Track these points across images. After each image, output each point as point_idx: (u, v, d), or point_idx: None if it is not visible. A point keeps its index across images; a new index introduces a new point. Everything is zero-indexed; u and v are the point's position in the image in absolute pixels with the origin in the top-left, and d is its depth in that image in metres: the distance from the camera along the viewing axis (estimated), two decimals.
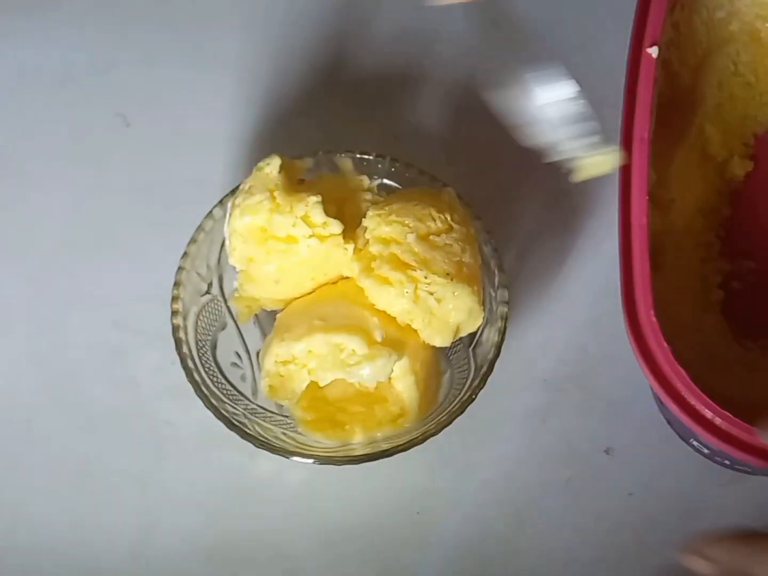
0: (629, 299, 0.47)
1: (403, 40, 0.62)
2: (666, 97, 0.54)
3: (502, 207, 0.58)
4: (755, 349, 0.53)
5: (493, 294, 0.52)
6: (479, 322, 0.51)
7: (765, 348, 0.53)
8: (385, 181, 0.54)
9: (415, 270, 0.48)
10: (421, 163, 0.54)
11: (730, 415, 0.44)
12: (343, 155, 0.54)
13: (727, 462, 0.53)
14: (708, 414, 0.44)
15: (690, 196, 0.55)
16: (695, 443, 0.53)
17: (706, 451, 0.53)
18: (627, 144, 0.49)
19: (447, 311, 0.49)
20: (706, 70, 0.57)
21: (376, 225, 0.49)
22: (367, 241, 0.49)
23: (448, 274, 0.49)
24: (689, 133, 0.56)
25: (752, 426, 0.43)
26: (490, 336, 0.51)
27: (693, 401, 0.44)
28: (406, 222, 0.49)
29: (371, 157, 0.54)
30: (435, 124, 0.60)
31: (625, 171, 0.48)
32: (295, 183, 0.51)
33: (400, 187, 0.54)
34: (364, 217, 0.50)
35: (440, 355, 0.52)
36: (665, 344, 0.45)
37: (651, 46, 0.50)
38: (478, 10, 0.42)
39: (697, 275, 0.54)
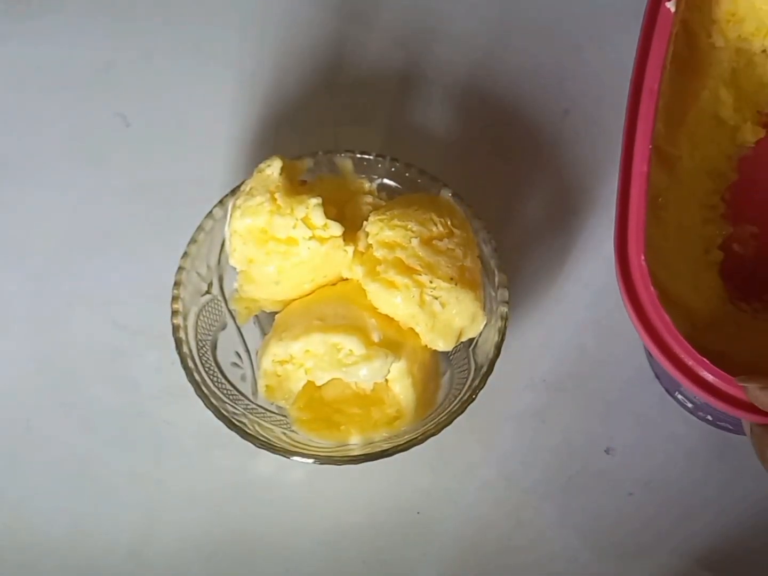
0: (622, 243, 0.47)
1: (403, 40, 0.62)
2: (683, 56, 0.53)
3: (502, 207, 0.58)
4: (748, 311, 0.53)
5: (493, 294, 0.52)
6: (481, 327, 0.51)
7: (757, 311, 0.53)
8: (385, 181, 0.54)
9: (421, 274, 0.48)
10: (421, 163, 0.54)
11: (709, 363, 0.44)
12: (343, 155, 0.54)
13: (709, 418, 0.53)
14: (689, 361, 0.45)
15: (698, 156, 0.55)
16: (680, 397, 0.54)
17: (689, 405, 0.54)
18: (636, 94, 0.48)
19: (451, 316, 0.49)
20: (726, 33, 0.56)
21: (379, 229, 0.49)
22: (370, 245, 0.49)
23: (452, 278, 0.49)
24: (703, 94, 0.56)
25: (732, 376, 0.44)
26: (490, 336, 0.51)
27: (675, 348, 0.45)
28: (409, 226, 0.49)
29: (371, 157, 0.54)
30: (434, 124, 0.60)
31: (631, 120, 0.48)
32: (296, 184, 0.51)
33: (400, 187, 0.54)
34: (365, 220, 0.50)
35: (439, 357, 0.52)
36: (652, 288, 0.45)
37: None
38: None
39: (698, 234, 0.54)
